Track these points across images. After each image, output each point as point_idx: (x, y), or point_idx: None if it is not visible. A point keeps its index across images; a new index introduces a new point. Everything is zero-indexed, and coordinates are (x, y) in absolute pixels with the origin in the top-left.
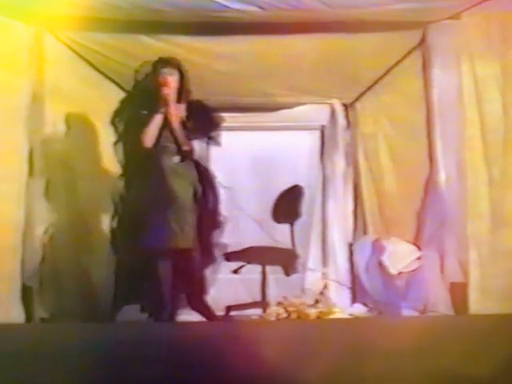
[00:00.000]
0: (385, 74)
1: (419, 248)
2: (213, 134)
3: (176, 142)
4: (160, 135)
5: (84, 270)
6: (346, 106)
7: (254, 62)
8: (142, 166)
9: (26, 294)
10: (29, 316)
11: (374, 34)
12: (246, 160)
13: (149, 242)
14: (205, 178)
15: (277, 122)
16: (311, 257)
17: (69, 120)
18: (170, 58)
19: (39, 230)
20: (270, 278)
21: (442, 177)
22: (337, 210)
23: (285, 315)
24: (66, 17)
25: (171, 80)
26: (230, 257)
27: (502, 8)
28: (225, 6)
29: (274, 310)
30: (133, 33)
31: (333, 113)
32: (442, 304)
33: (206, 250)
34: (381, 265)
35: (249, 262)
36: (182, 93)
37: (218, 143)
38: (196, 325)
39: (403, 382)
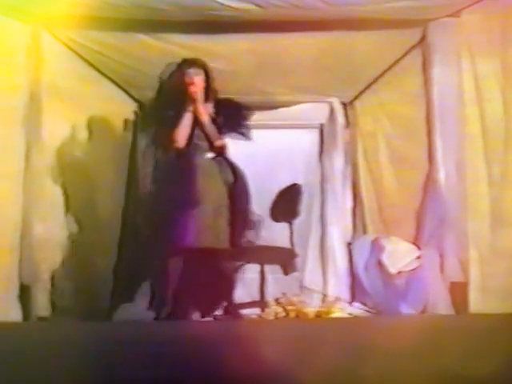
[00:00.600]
0: (384, 72)
1: (419, 247)
2: (243, 128)
3: (208, 138)
4: (192, 134)
5: (82, 269)
6: (345, 105)
7: (253, 61)
8: (174, 165)
9: (24, 293)
10: (26, 314)
11: (373, 32)
12: (244, 158)
13: (179, 241)
14: (237, 176)
15: (275, 121)
16: (310, 256)
17: (88, 126)
18: (195, 58)
19: (37, 229)
20: (269, 277)
21: (441, 176)
22: (336, 208)
23: (283, 314)
24: (64, 15)
25: (197, 80)
26: None
27: (502, 5)
28: (223, 4)
29: (272, 310)
30: (131, 31)
31: (332, 111)
32: (441, 303)
33: (238, 250)
34: (380, 264)
35: (247, 262)
36: (209, 92)
37: (249, 138)
38: (194, 324)
39: (402, 381)
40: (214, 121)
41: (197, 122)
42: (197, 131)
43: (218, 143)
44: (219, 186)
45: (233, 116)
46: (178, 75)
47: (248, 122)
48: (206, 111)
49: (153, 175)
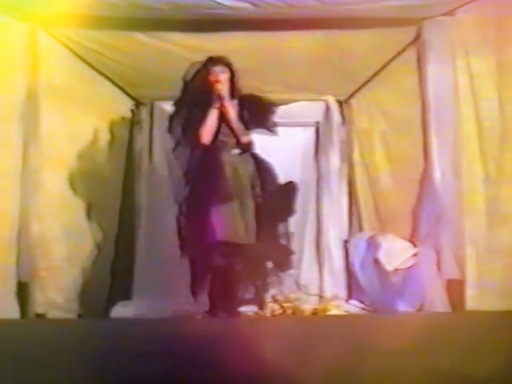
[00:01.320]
0: (380, 70)
1: (415, 245)
2: (269, 124)
3: (234, 134)
4: (218, 131)
5: (80, 266)
6: (340, 103)
7: (248, 59)
8: (202, 163)
9: (22, 290)
10: (24, 312)
11: (368, 30)
12: None
13: (210, 237)
14: (263, 171)
15: None
16: (306, 254)
17: (84, 124)
18: (220, 56)
19: (34, 227)
20: None
21: (437, 173)
22: (332, 206)
23: (280, 311)
24: (61, 14)
25: (223, 77)
26: None
27: (497, 4)
28: (219, 3)
29: (269, 307)
30: (127, 30)
31: (328, 109)
32: (438, 301)
33: (269, 244)
34: (376, 262)
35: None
36: (234, 90)
37: (275, 133)
38: (191, 321)
39: (399, 378)
40: (239, 117)
41: (223, 119)
42: (222, 128)
43: (244, 139)
44: (246, 181)
45: (258, 112)
46: (204, 73)
47: (273, 117)
48: (232, 108)
49: (184, 174)
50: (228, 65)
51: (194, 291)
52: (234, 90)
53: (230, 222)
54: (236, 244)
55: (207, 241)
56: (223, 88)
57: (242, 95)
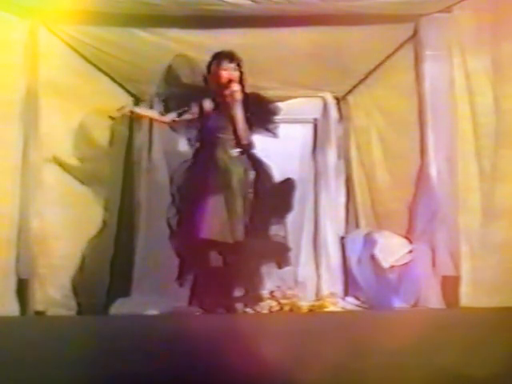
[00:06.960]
0: (377, 67)
1: (411, 241)
2: (270, 125)
3: (237, 134)
4: (217, 127)
5: (79, 263)
6: (338, 100)
7: (246, 56)
8: (197, 158)
9: (21, 287)
10: (24, 309)
11: (365, 27)
12: None
13: (194, 232)
14: (258, 169)
15: None
16: (303, 250)
17: (84, 120)
18: (231, 52)
19: (34, 224)
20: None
21: (433, 170)
22: (329, 203)
23: (277, 308)
24: (61, 10)
25: (235, 75)
26: None
27: (493, 1)
28: None
29: (266, 303)
30: (126, 26)
31: (325, 106)
32: (433, 297)
33: (260, 244)
34: (373, 258)
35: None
36: (242, 89)
37: (276, 135)
38: (190, 318)
39: (395, 374)
40: (245, 118)
41: (227, 115)
42: (221, 124)
43: (245, 141)
44: (236, 180)
45: (262, 113)
46: (214, 67)
47: (275, 118)
48: (241, 108)
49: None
50: (238, 61)
51: (180, 283)
52: (242, 89)
53: (215, 220)
54: (226, 242)
55: (191, 235)
56: (238, 89)
57: (247, 94)
